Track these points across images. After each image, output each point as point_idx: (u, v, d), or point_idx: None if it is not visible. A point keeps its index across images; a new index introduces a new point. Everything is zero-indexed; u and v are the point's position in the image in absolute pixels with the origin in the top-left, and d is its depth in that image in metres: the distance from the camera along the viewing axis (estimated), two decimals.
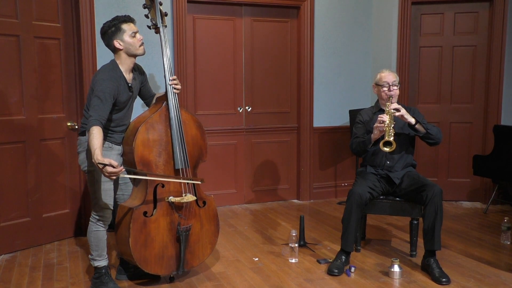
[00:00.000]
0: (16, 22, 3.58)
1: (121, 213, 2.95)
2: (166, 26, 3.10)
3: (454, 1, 4.94)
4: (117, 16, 2.90)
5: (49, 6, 3.78)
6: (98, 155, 2.55)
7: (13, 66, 3.59)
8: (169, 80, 2.99)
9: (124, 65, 2.90)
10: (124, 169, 2.65)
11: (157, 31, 3.08)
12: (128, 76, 2.94)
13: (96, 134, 2.62)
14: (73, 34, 3.96)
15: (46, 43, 3.78)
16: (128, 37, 2.84)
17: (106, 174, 2.56)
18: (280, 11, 5.03)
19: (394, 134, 3.18)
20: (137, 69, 3.06)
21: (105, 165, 2.54)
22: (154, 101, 3.17)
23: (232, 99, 4.96)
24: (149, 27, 3.12)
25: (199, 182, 3.06)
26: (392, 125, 3.19)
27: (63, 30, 3.90)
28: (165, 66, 3.01)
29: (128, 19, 2.88)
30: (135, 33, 2.87)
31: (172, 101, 2.98)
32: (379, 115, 3.26)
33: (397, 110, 3.28)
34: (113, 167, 2.55)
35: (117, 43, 2.85)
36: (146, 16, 3.11)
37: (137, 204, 2.90)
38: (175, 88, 3.00)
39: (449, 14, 4.99)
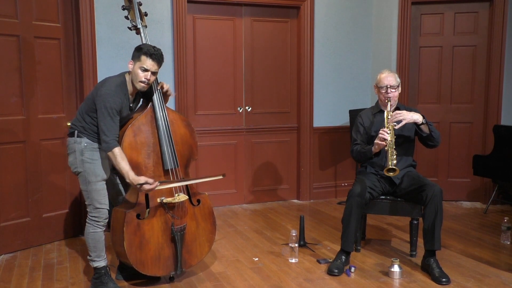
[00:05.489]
0: (16, 22, 3.58)
1: (115, 216, 2.94)
2: (146, 26, 3.08)
3: (454, 1, 4.94)
4: (150, 46, 2.84)
5: (49, 6, 3.79)
6: (133, 176, 2.74)
7: (13, 66, 3.59)
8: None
9: (131, 86, 2.91)
10: (158, 183, 2.81)
11: (137, 31, 3.06)
12: (131, 98, 2.96)
13: (121, 155, 2.76)
14: (73, 34, 3.96)
15: (46, 43, 3.78)
16: (137, 68, 2.83)
17: (144, 191, 2.80)
18: (280, 11, 5.03)
19: (396, 156, 3.20)
20: (139, 93, 3.04)
21: (141, 184, 2.72)
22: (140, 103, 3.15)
23: (232, 99, 4.96)
24: (129, 28, 3.09)
25: (221, 177, 3.09)
26: (394, 146, 3.21)
27: (63, 30, 3.90)
28: None
29: (152, 56, 2.81)
30: (146, 70, 2.82)
31: (158, 101, 2.97)
32: (380, 132, 3.25)
33: (399, 122, 3.27)
34: (149, 184, 2.74)
35: (130, 64, 2.87)
36: (126, 17, 3.08)
37: (130, 207, 2.90)
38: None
39: (449, 14, 4.99)
